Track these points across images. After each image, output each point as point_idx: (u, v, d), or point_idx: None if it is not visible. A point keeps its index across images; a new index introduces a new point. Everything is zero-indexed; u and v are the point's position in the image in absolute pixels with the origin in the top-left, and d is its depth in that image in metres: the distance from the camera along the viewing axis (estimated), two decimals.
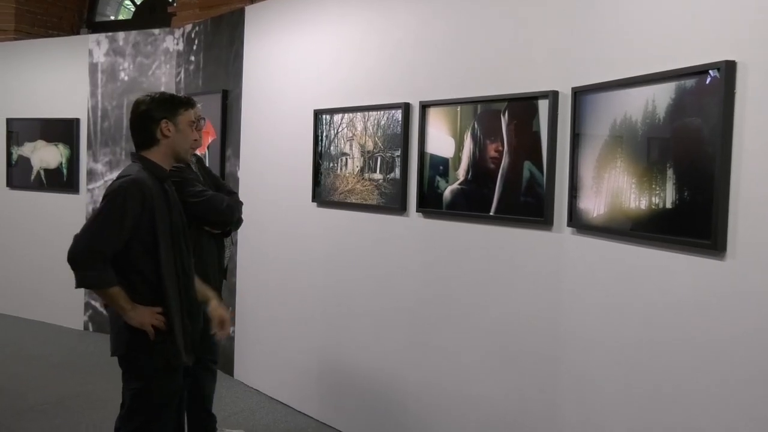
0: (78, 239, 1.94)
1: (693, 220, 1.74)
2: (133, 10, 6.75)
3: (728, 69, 1.64)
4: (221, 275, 2.87)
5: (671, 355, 1.81)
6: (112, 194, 1.95)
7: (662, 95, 1.86)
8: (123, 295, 1.97)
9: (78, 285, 1.96)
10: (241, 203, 2.87)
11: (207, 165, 3.04)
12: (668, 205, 1.83)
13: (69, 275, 1.94)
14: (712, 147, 1.68)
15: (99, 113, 5.07)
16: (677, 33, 1.84)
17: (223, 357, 4.04)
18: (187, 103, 2.13)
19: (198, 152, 4.44)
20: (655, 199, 1.88)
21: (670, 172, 1.83)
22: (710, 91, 1.69)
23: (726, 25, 1.68)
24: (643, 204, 1.92)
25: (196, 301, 2.16)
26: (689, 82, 1.77)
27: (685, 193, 1.78)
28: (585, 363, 2.16)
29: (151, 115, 2.08)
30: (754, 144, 1.58)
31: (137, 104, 2.11)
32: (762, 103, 1.57)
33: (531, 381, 2.39)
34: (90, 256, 1.92)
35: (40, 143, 5.35)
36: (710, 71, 1.68)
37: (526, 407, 2.40)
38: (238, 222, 2.86)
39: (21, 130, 5.43)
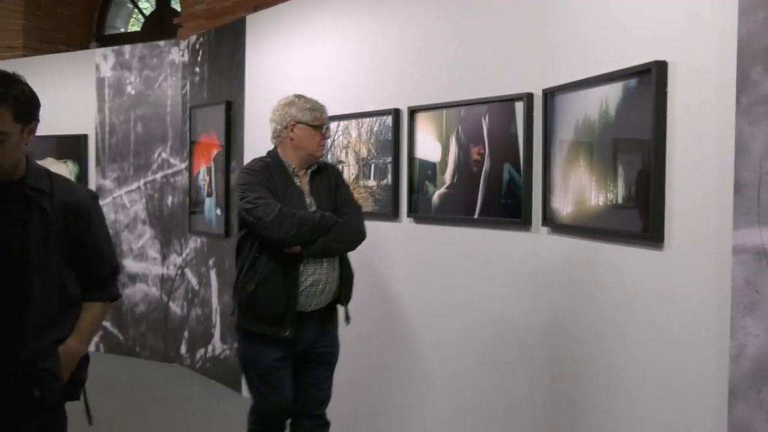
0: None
1: (638, 214, 2.12)
2: (142, 21, 7.50)
3: (659, 69, 2.02)
4: (293, 305, 2.58)
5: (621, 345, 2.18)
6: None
7: (613, 95, 2.24)
8: None
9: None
10: (330, 222, 2.63)
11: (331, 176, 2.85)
12: (620, 201, 2.21)
13: None
14: (649, 144, 2.06)
15: (107, 128, 5.67)
16: (624, 33, 2.23)
17: (232, 373, 4.54)
18: None
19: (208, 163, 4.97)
20: (610, 196, 2.26)
21: (620, 170, 2.21)
22: (647, 90, 2.08)
23: (659, 26, 2.06)
24: (601, 201, 2.31)
25: None
26: (632, 82, 2.16)
27: (632, 189, 2.15)
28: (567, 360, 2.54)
29: None
30: (685, 141, 1.96)
31: None
32: (690, 100, 1.95)
33: (527, 380, 2.78)
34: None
35: (50, 161, 6.02)
36: None
37: (516, 403, 2.78)
38: (314, 245, 2.58)
39: (31, 147, 6.08)
